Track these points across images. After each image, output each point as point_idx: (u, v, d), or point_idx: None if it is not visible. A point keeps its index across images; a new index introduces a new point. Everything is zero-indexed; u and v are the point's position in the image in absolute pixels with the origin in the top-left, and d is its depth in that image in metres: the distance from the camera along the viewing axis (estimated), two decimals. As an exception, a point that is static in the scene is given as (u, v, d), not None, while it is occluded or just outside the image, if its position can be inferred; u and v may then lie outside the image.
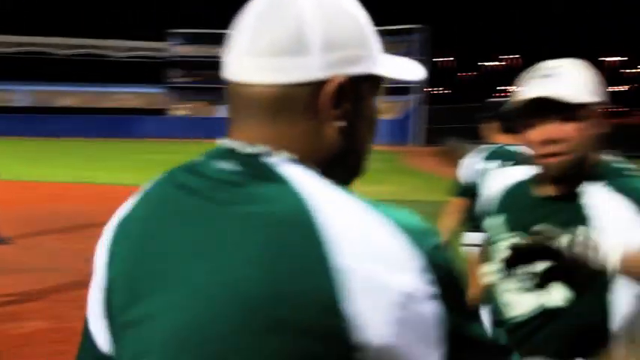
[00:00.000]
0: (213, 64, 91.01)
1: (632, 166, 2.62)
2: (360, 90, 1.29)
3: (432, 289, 1.13)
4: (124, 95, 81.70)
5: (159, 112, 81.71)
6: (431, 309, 1.13)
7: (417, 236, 1.15)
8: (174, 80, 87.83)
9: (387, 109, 78.89)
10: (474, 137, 6.32)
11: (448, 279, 1.16)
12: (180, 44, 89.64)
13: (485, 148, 5.54)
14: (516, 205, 2.64)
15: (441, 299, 1.14)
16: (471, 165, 5.62)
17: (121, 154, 40.33)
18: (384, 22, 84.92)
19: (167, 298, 1.20)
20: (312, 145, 1.25)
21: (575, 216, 2.47)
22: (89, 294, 1.39)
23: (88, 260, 1.47)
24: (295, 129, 1.25)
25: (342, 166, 1.31)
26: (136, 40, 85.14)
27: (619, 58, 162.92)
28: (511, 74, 2.40)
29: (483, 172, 5.25)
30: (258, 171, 1.21)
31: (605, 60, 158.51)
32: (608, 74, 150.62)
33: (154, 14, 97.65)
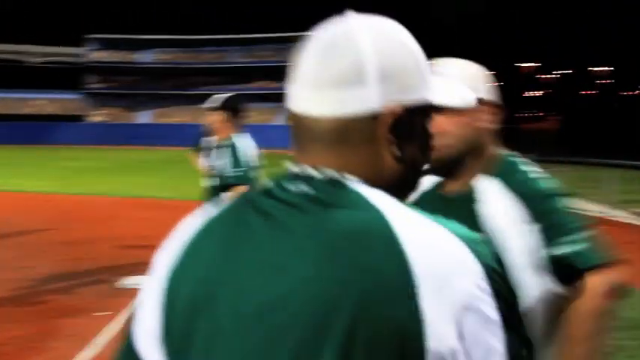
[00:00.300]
0: (129, 70, 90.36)
1: (527, 161, 2.64)
2: (414, 117, 1.34)
3: (489, 296, 1.20)
4: (40, 102, 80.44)
5: (76, 118, 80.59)
6: (491, 313, 1.20)
7: (474, 246, 1.23)
8: (91, 86, 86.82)
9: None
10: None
11: (501, 283, 1.25)
12: (97, 50, 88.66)
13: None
14: (425, 209, 2.62)
15: (496, 304, 1.22)
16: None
17: (38, 161, 39.72)
18: (305, 27, 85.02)
19: (241, 313, 1.23)
20: (373, 170, 1.31)
21: (470, 213, 2.49)
22: (138, 312, 1.41)
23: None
24: (357, 157, 1.31)
25: (400, 187, 1.37)
26: (52, 45, 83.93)
27: (534, 64, 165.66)
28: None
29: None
30: (333, 192, 1.27)
31: (520, 66, 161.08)
32: (524, 80, 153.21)
33: (71, 19, 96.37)
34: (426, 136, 1.39)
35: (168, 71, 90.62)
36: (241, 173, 6.42)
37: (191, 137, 11.66)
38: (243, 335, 1.22)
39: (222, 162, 6.51)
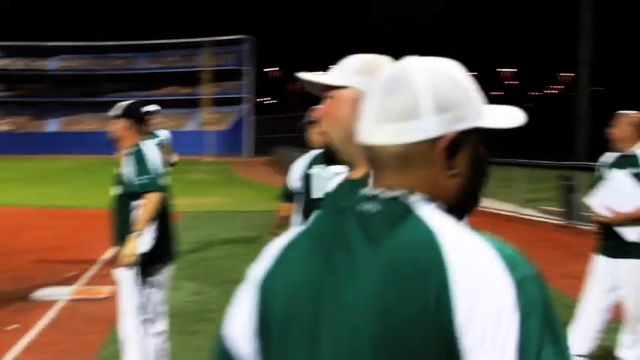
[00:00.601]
0: (35, 78, 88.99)
1: None
2: (468, 141, 1.53)
3: (515, 313, 1.32)
4: (-58, 112, 78.76)
5: (-19, 128, 79.06)
6: (512, 330, 1.32)
7: (510, 265, 1.37)
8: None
9: (216, 120, 78.87)
10: (303, 145, 6.47)
11: (532, 307, 1.34)
12: (0, 57, 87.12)
13: (310, 154, 5.62)
14: (340, 194, 2.60)
15: (524, 324, 1.33)
16: (297, 171, 5.70)
17: (-59, 173, 38.86)
18: (213, 32, 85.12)
19: (328, 320, 1.46)
20: (435, 189, 1.51)
21: None
22: (233, 316, 1.64)
23: None
24: (419, 178, 1.51)
25: (460, 201, 1.56)
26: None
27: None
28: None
29: (307, 177, 5.33)
30: (398, 210, 1.47)
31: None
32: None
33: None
34: (478, 155, 1.57)
35: (76, 78, 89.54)
36: (146, 181, 6.27)
37: (100, 145, 11.49)
38: (341, 334, 1.44)
39: (128, 170, 6.39)
